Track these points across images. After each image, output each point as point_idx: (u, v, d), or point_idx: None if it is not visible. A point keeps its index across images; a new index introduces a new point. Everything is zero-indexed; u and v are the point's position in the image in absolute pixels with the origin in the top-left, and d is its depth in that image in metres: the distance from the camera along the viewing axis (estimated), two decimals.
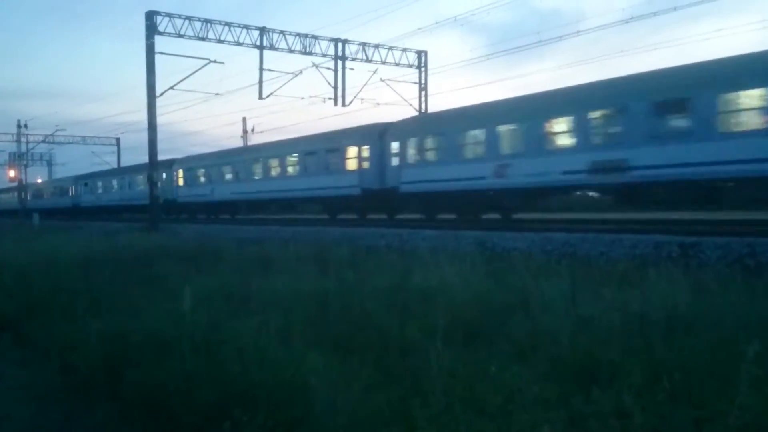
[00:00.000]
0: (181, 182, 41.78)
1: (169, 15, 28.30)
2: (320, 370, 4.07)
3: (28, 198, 64.22)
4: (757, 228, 13.79)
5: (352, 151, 27.65)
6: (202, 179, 39.10)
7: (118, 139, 68.54)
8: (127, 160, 64.83)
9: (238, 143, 55.45)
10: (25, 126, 61.38)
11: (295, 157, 31.59)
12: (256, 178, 34.23)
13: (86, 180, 56.42)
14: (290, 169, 31.88)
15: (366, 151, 26.97)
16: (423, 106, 35.33)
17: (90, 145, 68.44)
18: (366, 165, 26.88)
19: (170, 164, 42.48)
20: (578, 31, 48.59)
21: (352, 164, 27.60)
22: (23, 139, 62.03)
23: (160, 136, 27.99)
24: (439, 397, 3.56)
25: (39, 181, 74.84)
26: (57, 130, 62.98)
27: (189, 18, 28.83)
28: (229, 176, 36.67)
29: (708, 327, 4.53)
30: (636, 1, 69.01)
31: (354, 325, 5.35)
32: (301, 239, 14.46)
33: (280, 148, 33.64)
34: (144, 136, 28.81)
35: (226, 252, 11.73)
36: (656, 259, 8.77)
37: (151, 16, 27.54)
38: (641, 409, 3.26)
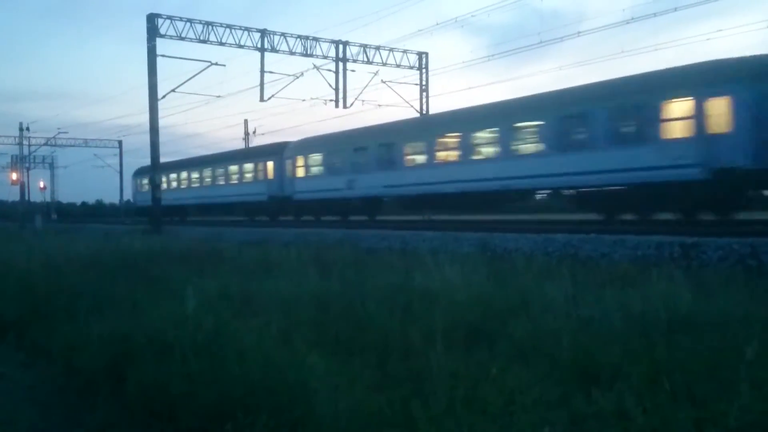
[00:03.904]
0: (141, 189, 47.41)
1: (171, 17, 28.35)
2: (322, 372, 4.08)
3: None
4: (758, 228, 13.79)
5: (261, 165, 34.26)
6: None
7: (120, 142, 68.73)
8: (130, 162, 65.01)
9: (241, 145, 55.54)
10: (27, 129, 61.51)
11: (222, 169, 38.18)
12: (195, 186, 40.83)
13: None
14: (220, 180, 38.31)
15: (271, 166, 33.34)
16: (424, 107, 35.36)
17: (92, 147, 68.61)
18: (271, 177, 33.23)
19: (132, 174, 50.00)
20: (579, 32, 47.56)
21: (261, 176, 34.24)
22: (25, 142, 62.21)
23: (162, 138, 28.19)
24: (441, 399, 3.57)
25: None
26: (59, 133, 63.14)
27: (190, 20, 28.87)
28: (174, 184, 42.54)
29: (709, 327, 4.54)
30: (637, 2, 69.08)
31: (355, 326, 5.35)
32: (302, 241, 14.48)
33: (214, 162, 39.89)
34: (146, 139, 28.91)
35: (228, 254, 11.74)
36: (658, 260, 8.78)
37: (152, 19, 27.58)
38: (642, 409, 3.27)
